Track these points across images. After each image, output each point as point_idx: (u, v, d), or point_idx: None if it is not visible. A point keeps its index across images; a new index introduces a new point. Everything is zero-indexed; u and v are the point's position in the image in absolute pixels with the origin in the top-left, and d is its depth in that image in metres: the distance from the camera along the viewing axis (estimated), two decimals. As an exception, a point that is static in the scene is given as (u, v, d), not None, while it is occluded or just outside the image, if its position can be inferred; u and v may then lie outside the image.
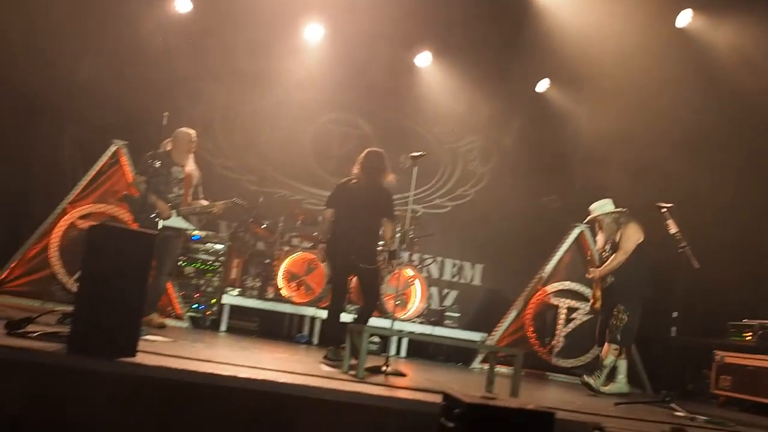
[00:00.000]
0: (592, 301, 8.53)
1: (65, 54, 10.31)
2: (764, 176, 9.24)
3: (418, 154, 7.30)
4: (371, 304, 7.56)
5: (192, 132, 8.23)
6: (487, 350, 8.98)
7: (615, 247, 8.03)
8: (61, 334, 4.76)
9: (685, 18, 10.11)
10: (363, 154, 7.59)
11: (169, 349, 5.62)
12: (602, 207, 8.19)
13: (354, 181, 7.52)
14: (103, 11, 10.36)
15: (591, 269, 8.45)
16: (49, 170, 10.26)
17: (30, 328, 4.89)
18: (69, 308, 5.66)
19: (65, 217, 9.18)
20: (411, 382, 6.12)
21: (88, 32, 10.46)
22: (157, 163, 7.47)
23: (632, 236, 7.93)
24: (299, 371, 5.40)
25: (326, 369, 6.06)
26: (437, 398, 3.42)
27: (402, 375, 6.47)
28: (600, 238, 8.33)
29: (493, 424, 2.91)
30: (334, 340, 7.11)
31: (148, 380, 4.25)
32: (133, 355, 4.49)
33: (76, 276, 8.69)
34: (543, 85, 12.15)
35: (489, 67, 11.66)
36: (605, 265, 8.07)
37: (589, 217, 8.36)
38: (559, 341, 9.89)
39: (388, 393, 4.95)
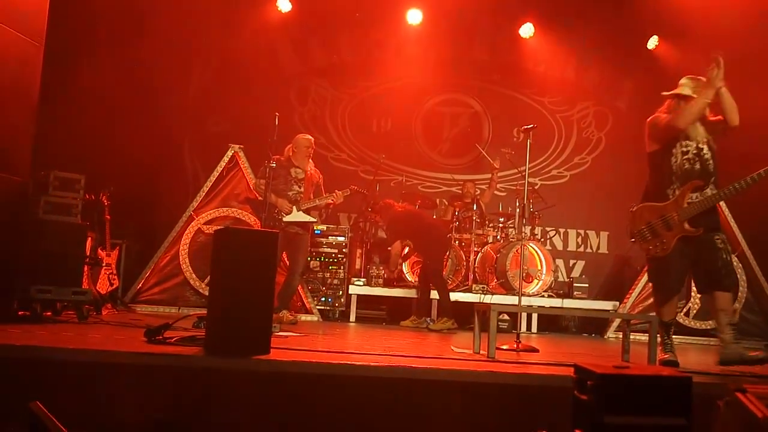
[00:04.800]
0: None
1: (176, 71, 10.75)
2: None
3: (529, 126, 7.23)
4: None
5: (309, 137, 8.57)
6: (619, 318, 8.82)
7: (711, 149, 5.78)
8: (198, 337, 4.96)
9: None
10: None
11: (301, 343, 5.76)
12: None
13: None
14: (206, 22, 10.71)
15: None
16: (174, 181, 10.75)
17: (168, 334, 5.10)
18: (203, 311, 5.88)
19: (192, 224, 9.54)
20: (543, 357, 6.08)
21: (193, 46, 10.85)
22: (273, 164, 7.71)
23: None
24: (431, 354, 5.44)
25: (458, 351, 6.07)
26: (571, 371, 3.37)
27: (534, 350, 6.44)
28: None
29: (628, 393, 2.86)
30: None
31: (283, 375, 4.37)
32: (267, 352, 4.62)
33: (206, 280, 9.04)
34: (652, 42, 11.75)
35: (594, 30, 11.48)
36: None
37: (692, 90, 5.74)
38: (695, 303, 9.59)
39: (520, 370, 4.93)
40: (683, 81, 5.79)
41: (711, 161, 5.69)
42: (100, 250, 8.59)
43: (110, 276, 8.72)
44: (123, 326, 6.52)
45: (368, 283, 10.07)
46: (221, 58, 11.30)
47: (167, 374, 4.32)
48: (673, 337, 6.10)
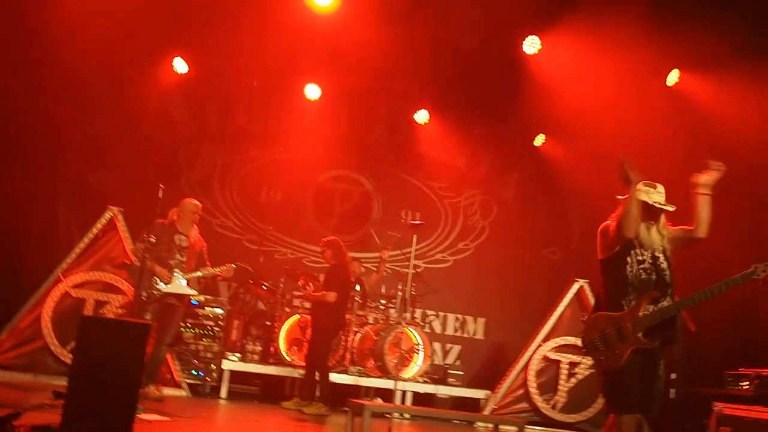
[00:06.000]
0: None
1: (61, 120, 10.35)
2: (751, 229, 9.12)
3: (417, 222, 7.33)
4: None
5: (197, 203, 8.26)
6: (490, 423, 8.87)
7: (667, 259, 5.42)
8: (52, 427, 4.67)
9: (673, 77, 10.33)
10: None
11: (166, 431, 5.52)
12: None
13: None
14: (98, 75, 10.35)
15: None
16: (45, 238, 10.27)
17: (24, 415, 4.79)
18: (62, 381, 5.53)
19: (59, 286, 8.97)
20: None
21: (83, 98, 10.44)
22: (152, 239, 7.41)
23: None
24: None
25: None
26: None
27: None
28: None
29: None
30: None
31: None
32: (128, 450, 4.42)
33: (69, 346, 8.54)
34: (540, 140, 12.19)
35: (486, 122, 11.80)
36: None
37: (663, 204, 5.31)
38: (562, 396, 9.78)
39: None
40: (639, 186, 5.31)
41: (667, 271, 5.31)
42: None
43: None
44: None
45: (243, 359, 9.82)
46: (110, 113, 10.83)
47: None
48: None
